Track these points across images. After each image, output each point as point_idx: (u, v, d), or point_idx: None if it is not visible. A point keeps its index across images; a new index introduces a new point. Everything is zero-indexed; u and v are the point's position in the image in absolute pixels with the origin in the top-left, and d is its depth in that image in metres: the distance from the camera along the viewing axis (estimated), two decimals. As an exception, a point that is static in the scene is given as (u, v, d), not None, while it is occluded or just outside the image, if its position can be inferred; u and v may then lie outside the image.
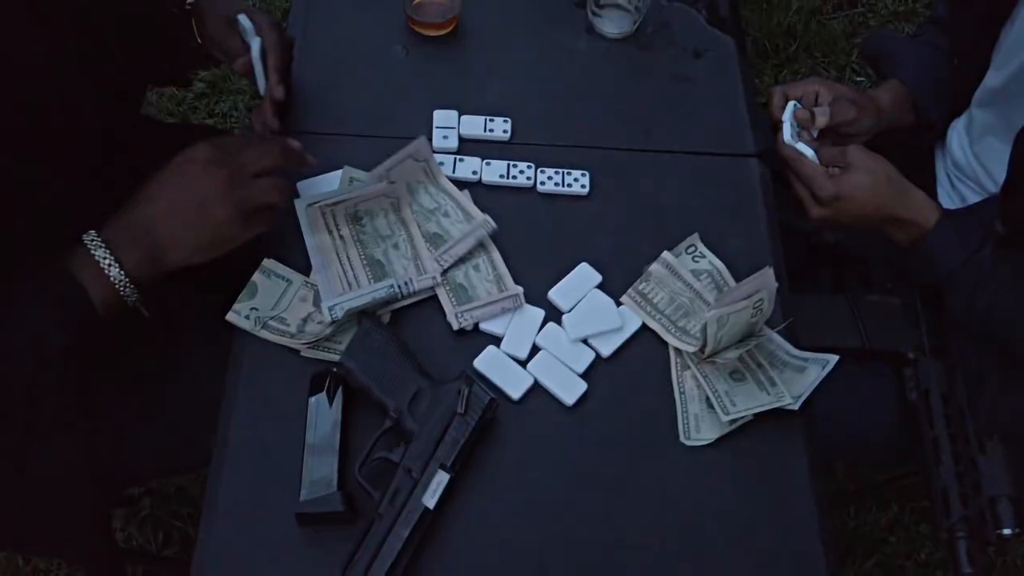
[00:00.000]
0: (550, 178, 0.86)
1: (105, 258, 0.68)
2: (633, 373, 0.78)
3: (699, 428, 0.75)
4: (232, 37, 0.84)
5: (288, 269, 0.79)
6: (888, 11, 1.89)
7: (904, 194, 0.83)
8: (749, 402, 0.74)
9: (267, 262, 0.79)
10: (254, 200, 0.71)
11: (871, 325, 0.91)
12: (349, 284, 0.78)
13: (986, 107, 0.90)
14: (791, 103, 0.86)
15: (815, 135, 0.87)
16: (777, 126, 0.87)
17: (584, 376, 0.76)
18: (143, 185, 0.71)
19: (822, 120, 0.86)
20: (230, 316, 0.77)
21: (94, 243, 0.68)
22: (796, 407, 0.74)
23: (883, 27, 1.85)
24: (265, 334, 0.76)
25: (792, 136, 0.85)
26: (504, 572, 0.69)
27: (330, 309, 0.74)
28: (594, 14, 0.97)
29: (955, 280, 0.82)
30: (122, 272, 0.68)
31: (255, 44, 0.83)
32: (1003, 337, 0.83)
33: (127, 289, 0.69)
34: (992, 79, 0.88)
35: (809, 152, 0.84)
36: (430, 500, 0.68)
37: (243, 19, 0.83)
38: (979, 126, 0.91)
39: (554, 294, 0.80)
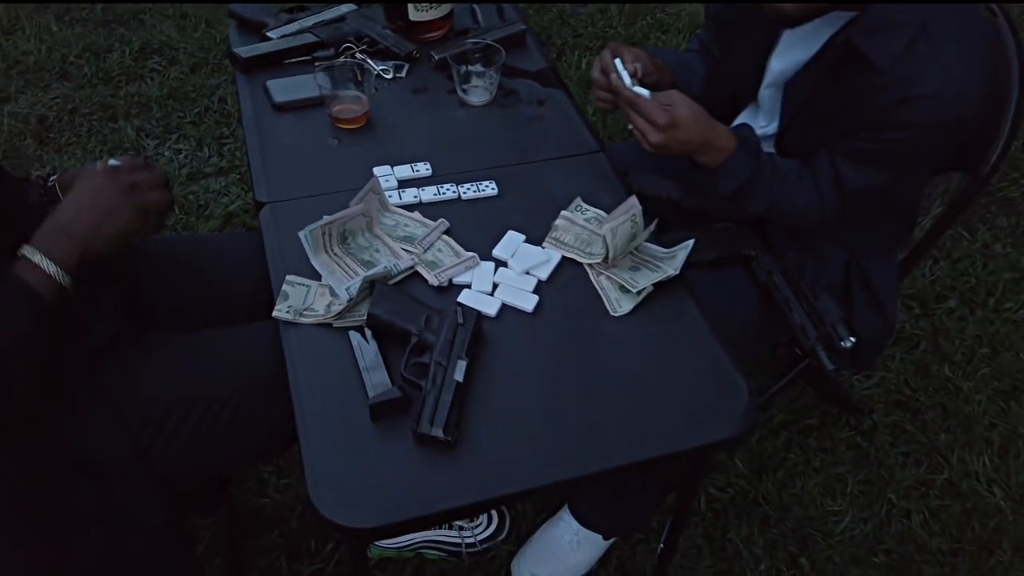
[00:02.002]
0: (469, 188, 1.21)
1: (41, 260, 0.94)
2: (565, 284, 1.11)
3: (620, 304, 1.08)
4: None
5: (306, 279, 1.08)
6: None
7: (715, 126, 1.17)
8: (646, 279, 1.09)
9: (290, 276, 1.08)
10: (149, 206, 1.02)
11: (720, 242, 1.29)
12: (352, 276, 1.08)
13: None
14: (617, 60, 1.17)
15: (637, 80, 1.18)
16: (600, 84, 1.20)
17: (535, 292, 1.09)
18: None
19: (639, 68, 1.19)
20: (275, 314, 1.04)
21: (29, 250, 0.94)
22: (678, 272, 1.09)
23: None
24: (303, 320, 1.04)
25: (630, 83, 1.16)
26: (506, 416, 0.96)
27: (347, 290, 1.04)
28: (463, 92, 1.37)
29: (746, 187, 1.22)
30: (55, 265, 0.94)
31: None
32: (785, 214, 1.24)
33: (64, 278, 0.94)
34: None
35: (645, 92, 1.14)
36: (460, 376, 0.96)
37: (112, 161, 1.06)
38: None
39: (497, 251, 1.13)
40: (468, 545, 1.52)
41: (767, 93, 1.29)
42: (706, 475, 1.69)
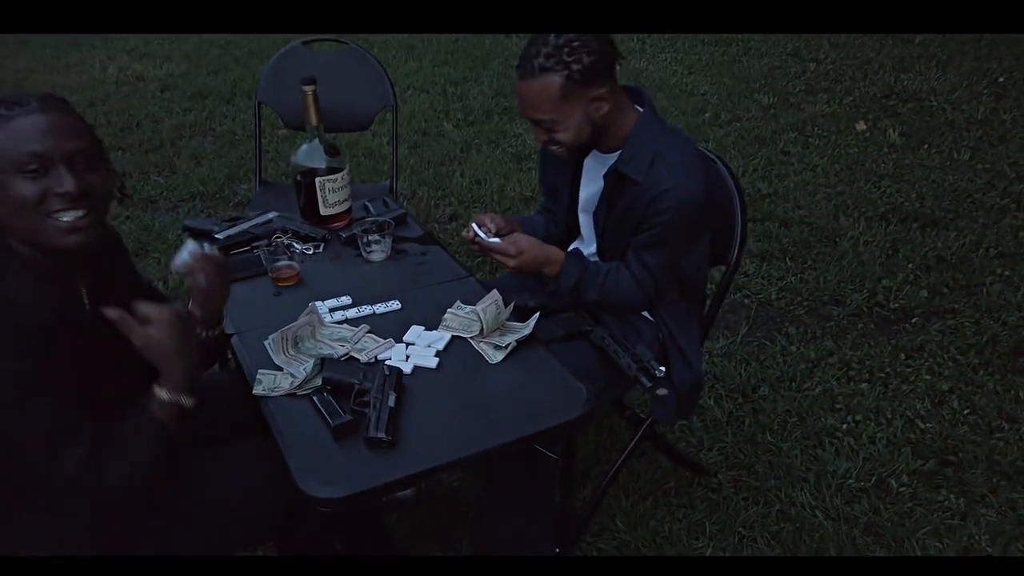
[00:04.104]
0: (380, 306, 1.72)
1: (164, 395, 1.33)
2: (455, 350, 1.60)
3: (494, 357, 1.58)
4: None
5: (272, 370, 1.54)
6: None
7: (548, 248, 1.77)
8: (510, 338, 1.60)
9: (261, 370, 1.53)
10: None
11: (567, 324, 1.81)
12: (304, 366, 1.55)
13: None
14: (474, 225, 1.80)
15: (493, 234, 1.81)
16: (469, 240, 1.79)
17: (435, 356, 1.58)
18: None
19: (494, 227, 1.81)
20: (255, 392, 1.48)
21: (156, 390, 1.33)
22: (530, 330, 1.61)
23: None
24: (275, 394, 1.48)
25: (485, 236, 1.77)
26: (423, 425, 1.42)
27: (303, 368, 1.50)
28: (367, 254, 1.92)
29: (580, 283, 1.79)
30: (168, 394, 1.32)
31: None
32: (609, 302, 1.80)
33: (186, 400, 1.33)
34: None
35: (497, 240, 1.76)
36: (392, 403, 1.42)
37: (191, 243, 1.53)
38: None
39: (406, 337, 1.62)
40: None
41: (583, 219, 1.90)
42: (591, 536, 2.09)
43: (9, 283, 1.26)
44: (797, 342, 2.81)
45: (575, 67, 1.61)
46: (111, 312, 1.28)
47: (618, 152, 1.76)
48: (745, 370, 2.67)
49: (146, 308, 1.29)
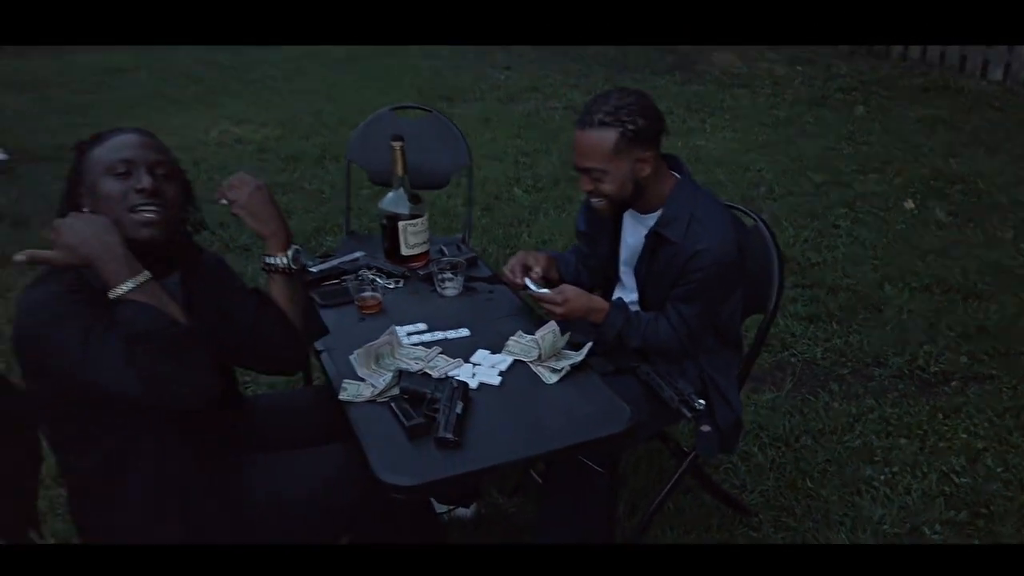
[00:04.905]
0: (451, 332, 1.97)
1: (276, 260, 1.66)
2: (516, 373, 1.82)
3: (550, 379, 1.80)
4: None
5: (355, 381, 1.78)
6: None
7: (593, 298, 1.99)
8: (565, 363, 1.82)
9: (345, 380, 1.78)
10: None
11: (613, 359, 2.02)
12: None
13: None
14: (528, 280, 2.01)
15: (541, 279, 2.04)
16: (514, 286, 2.04)
17: (499, 375, 1.80)
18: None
19: (540, 270, 2.04)
20: (341, 397, 1.73)
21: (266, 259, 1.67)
22: (583, 357, 1.82)
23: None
24: (358, 400, 1.73)
25: (535, 287, 2.00)
26: (485, 430, 1.64)
27: (382, 379, 1.74)
28: (441, 289, 2.17)
29: (623, 332, 2.00)
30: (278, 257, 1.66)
31: None
32: (650, 349, 2.00)
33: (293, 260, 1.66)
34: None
35: (545, 290, 1.99)
36: (459, 410, 1.64)
37: None
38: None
39: (473, 358, 1.86)
40: None
41: (625, 271, 2.13)
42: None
43: (89, 272, 1.49)
44: (839, 398, 2.95)
45: (629, 127, 1.86)
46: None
47: (654, 213, 1.99)
48: (789, 421, 2.82)
49: (232, 178, 1.68)
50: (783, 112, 5.99)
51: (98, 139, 1.58)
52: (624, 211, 2.04)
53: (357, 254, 2.35)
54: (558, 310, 1.96)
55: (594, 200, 1.98)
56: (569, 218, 4.36)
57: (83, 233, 1.45)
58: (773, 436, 2.75)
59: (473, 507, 2.37)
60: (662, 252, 1.96)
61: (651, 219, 2.00)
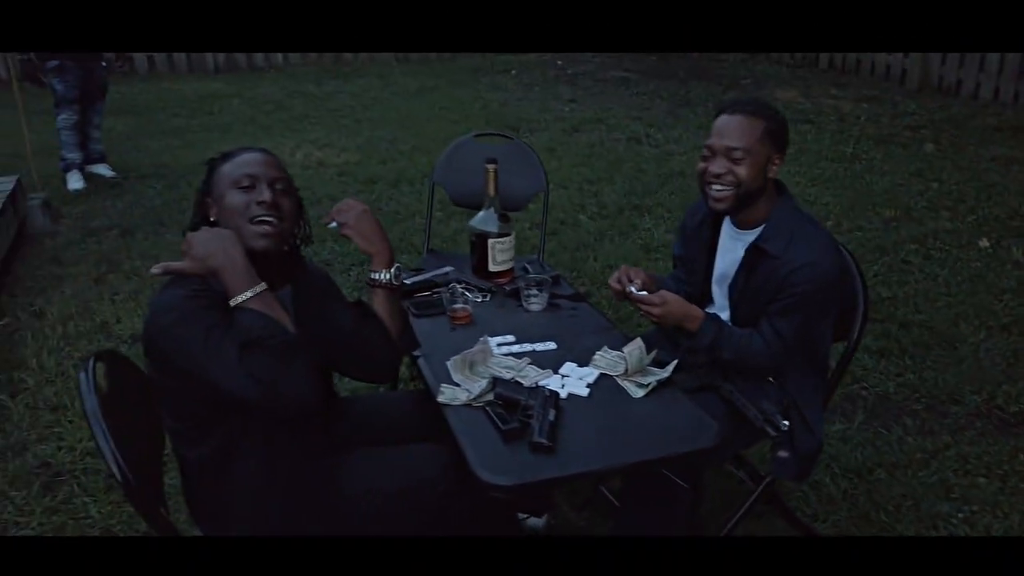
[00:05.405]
0: (539, 345, 2.03)
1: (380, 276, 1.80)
2: (602, 386, 1.88)
3: (636, 393, 1.85)
4: None
5: (451, 386, 1.86)
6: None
7: (689, 305, 2.03)
8: (652, 379, 1.87)
9: (443, 385, 1.85)
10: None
11: (698, 378, 2.06)
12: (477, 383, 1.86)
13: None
14: (631, 287, 2.06)
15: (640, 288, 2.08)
16: (614, 287, 2.06)
17: (587, 387, 1.86)
18: None
19: (639, 282, 2.07)
20: (439, 400, 1.80)
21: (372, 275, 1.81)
22: (669, 374, 1.87)
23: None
24: (455, 403, 1.80)
25: (638, 289, 2.03)
26: (575, 438, 1.69)
27: (477, 385, 1.81)
28: (527, 304, 2.24)
29: (716, 340, 2.04)
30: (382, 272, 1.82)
31: None
32: (741, 363, 2.04)
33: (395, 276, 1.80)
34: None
35: (644, 292, 2.02)
36: (552, 417, 1.70)
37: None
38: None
39: (561, 370, 1.92)
40: None
41: (716, 290, 2.17)
42: None
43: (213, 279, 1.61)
44: (914, 434, 2.93)
45: (774, 123, 1.98)
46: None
47: (754, 229, 2.04)
48: (861, 453, 2.81)
49: (340, 203, 1.84)
50: (849, 148, 5.99)
51: (227, 156, 1.73)
52: (737, 212, 2.05)
53: (447, 269, 2.44)
54: (656, 310, 1.99)
55: (717, 189, 2.00)
56: (634, 245, 4.43)
57: (210, 246, 1.58)
58: (845, 467, 2.74)
59: (545, 518, 2.42)
60: (761, 267, 2.01)
61: (750, 235, 2.05)
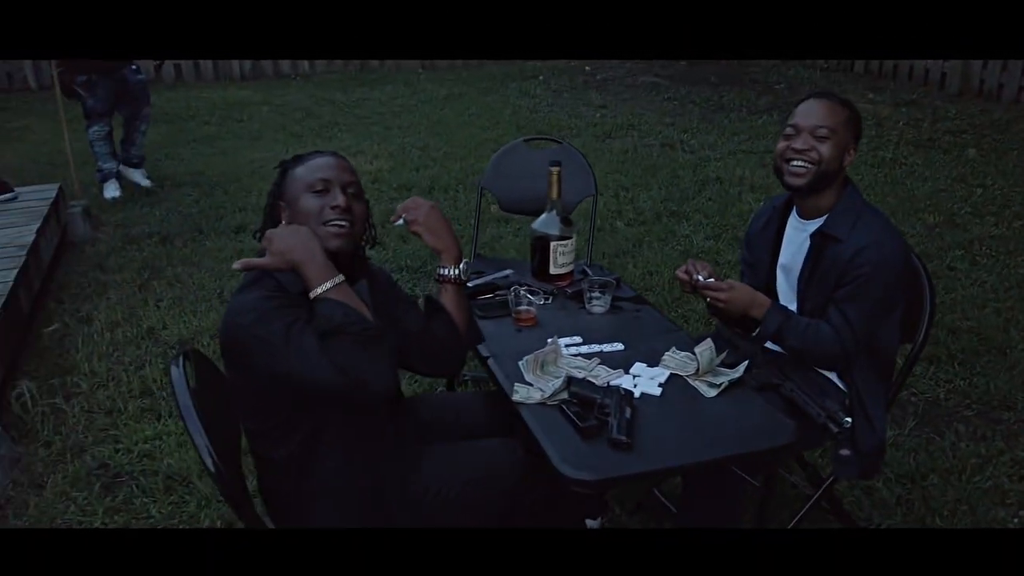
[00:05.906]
0: (607, 345, 2.04)
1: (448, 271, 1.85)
2: (674, 385, 1.89)
3: (708, 392, 1.86)
4: None
5: (525, 385, 1.87)
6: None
7: (756, 293, 2.05)
8: (723, 379, 1.88)
9: (516, 384, 1.87)
10: None
11: (759, 378, 2.06)
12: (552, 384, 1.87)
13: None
14: (699, 276, 2.07)
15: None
16: (681, 278, 2.07)
17: (659, 386, 1.87)
18: None
19: (705, 273, 2.08)
20: (514, 398, 1.82)
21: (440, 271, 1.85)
22: (740, 375, 1.88)
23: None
24: (529, 402, 1.81)
25: (705, 279, 2.05)
26: (650, 436, 1.70)
27: (551, 385, 1.83)
28: (589, 306, 2.26)
29: (783, 328, 2.05)
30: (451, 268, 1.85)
31: None
32: (808, 352, 2.05)
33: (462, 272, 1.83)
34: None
35: (711, 280, 2.04)
36: (628, 415, 1.72)
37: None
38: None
39: (632, 370, 1.93)
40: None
41: (782, 281, 2.19)
42: None
43: (288, 277, 1.64)
44: (966, 439, 2.91)
45: (855, 114, 2.08)
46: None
47: (818, 219, 2.07)
48: (914, 459, 2.80)
49: (407, 201, 1.87)
50: (888, 153, 5.97)
51: (299, 159, 1.76)
52: (809, 194, 2.07)
53: (507, 271, 2.46)
54: (723, 295, 2.01)
55: (798, 164, 2.03)
56: (673, 251, 4.44)
57: (290, 241, 1.61)
58: (898, 473, 2.73)
59: (600, 520, 2.43)
60: (828, 252, 2.03)
61: (814, 224, 2.08)
